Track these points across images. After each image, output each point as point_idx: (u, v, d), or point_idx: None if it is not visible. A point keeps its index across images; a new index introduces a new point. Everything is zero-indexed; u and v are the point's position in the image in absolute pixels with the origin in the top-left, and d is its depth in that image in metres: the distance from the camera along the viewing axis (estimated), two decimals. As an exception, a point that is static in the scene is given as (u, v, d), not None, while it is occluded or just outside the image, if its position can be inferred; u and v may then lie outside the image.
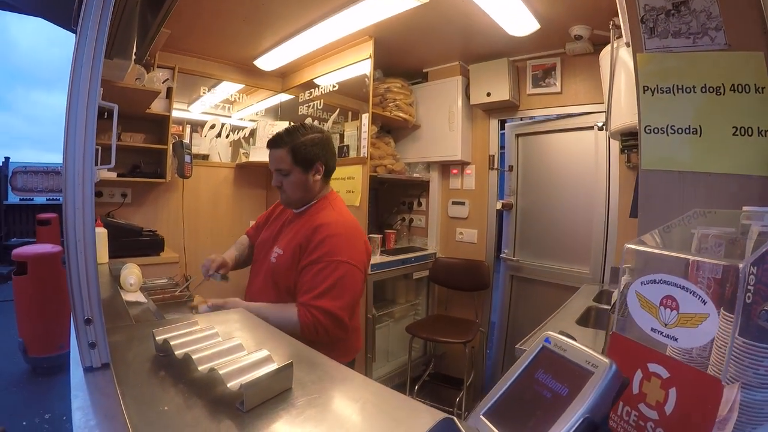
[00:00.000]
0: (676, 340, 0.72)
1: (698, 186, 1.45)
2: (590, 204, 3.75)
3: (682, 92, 1.47)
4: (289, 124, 4.46)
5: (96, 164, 1.16)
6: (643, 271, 0.80)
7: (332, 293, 1.95)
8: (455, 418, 0.62)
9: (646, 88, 1.53)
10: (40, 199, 10.32)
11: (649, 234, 0.93)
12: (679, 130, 1.47)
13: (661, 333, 0.74)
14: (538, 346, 0.66)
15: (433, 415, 0.97)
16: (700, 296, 0.69)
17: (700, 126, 1.43)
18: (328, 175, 2.27)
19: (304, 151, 2.14)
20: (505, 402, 0.63)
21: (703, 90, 1.43)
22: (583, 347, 0.60)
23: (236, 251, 2.64)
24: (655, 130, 1.51)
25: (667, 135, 1.49)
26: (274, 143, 2.17)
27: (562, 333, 0.65)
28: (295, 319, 1.92)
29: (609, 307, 2.54)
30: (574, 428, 0.51)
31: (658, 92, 1.52)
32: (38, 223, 6.84)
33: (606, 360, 0.55)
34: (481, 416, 0.63)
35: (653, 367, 0.74)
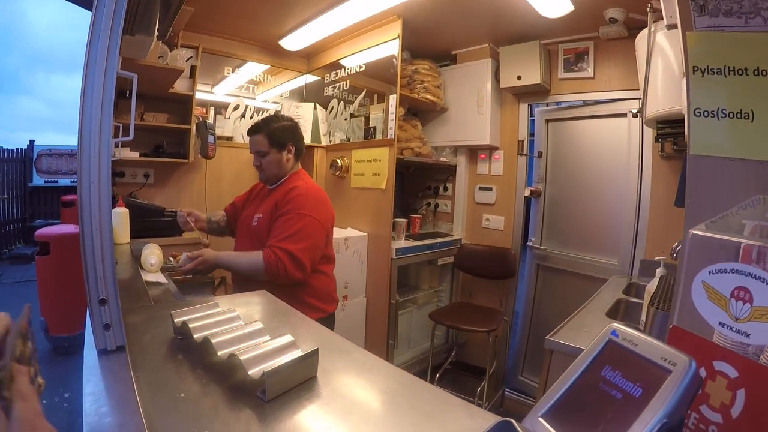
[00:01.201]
0: (748, 335, 0.65)
1: (750, 174, 1.36)
2: (621, 194, 3.64)
3: (734, 74, 1.38)
4: (314, 105, 4.47)
5: (116, 135, 1.11)
6: (697, 262, 0.72)
7: (294, 238, 2.33)
8: (513, 421, 0.55)
9: (696, 69, 1.44)
10: (64, 181, 10.45)
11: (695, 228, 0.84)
12: (730, 114, 1.38)
13: (731, 328, 0.66)
14: (603, 339, 0.58)
15: (468, 410, 0.92)
16: (778, 288, 0.62)
17: (752, 110, 1.35)
18: (298, 155, 2.71)
19: (277, 135, 2.57)
20: (567, 403, 0.56)
21: (756, 73, 1.34)
22: (656, 341, 0.52)
23: (207, 215, 3.07)
24: (705, 114, 1.42)
25: (718, 119, 1.41)
26: (253, 130, 2.62)
27: (627, 325, 0.57)
28: (259, 259, 2.29)
29: (641, 301, 2.47)
30: (652, 435, 0.44)
31: (708, 73, 1.43)
32: (62, 204, 6.92)
33: (685, 357, 0.47)
34: (540, 418, 0.56)
35: (719, 366, 0.67)
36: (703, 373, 0.68)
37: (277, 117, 2.70)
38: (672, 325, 0.75)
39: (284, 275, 2.29)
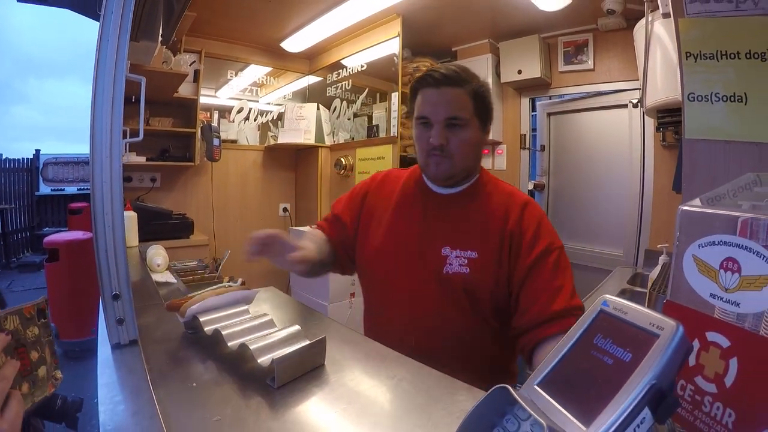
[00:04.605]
0: (738, 305, 0.67)
1: (744, 156, 1.38)
2: (624, 185, 3.65)
3: (726, 58, 1.40)
4: (317, 106, 4.47)
5: (124, 137, 1.14)
6: (687, 237, 0.74)
7: (573, 288, 1.40)
8: (509, 387, 0.58)
9: (688, 54, 1.46)
10: (71, 189, 10.52)
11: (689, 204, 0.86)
12: (724, 98, 1.40)
13: (722, 298, 0.68)
14: (595, 309, 0.60)
15: (473, 395, 0.94)
16: (765, 256, 0.64)
17: (745, 93, 1.36)
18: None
19: (484, 100, 1.51)
20: (561, 371, 0.58)
21: (748, 56, 1.35)
22: (645, 309, 0.54)
23: (314, 244, 1.64)
24: (699, 98, 1.44)
25: (711, 103, 1.42)
26: (450, 80, 1.45)
27: (619, 296, 0.60)
28: None
29: (645, 290, 2.48)
30: (641, 395, 0.46)
31: (701, 58, 1.45)
32: (69, 212, 6.95)
33: (672, 322, 0.49)
34: (536, 386, 0.58)
35: (712, 336, 0.69)
36: (696, 344, 0.71)
37: (473, 74, 1.53)
38: (666, 300, 0.77)
39: None
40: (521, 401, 0.56)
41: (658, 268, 2.27)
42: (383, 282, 1.60)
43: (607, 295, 0.61)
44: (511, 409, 0.58)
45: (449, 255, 1.46)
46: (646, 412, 0.46)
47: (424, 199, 1.59)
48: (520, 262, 1.41)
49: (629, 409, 0.46)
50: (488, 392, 0.59)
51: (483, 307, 1.45)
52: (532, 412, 0.53)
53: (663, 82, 2.47)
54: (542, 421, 0.50)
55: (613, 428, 0.45)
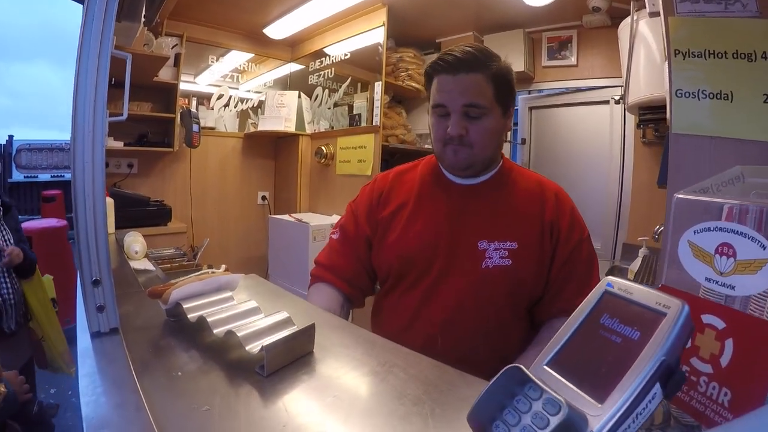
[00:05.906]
0: (733, 288, 0.69)
1: (729, 152, 1.42)
2: (603, 180, 3.69)
3: (714, 57, 1.43)
4: (298, 94, 4.43)
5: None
6: (682, 223, 0.76)
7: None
8: (522, 366, 0.58)
9: (677, 52, 1.49)
10: (44, 176, 10.35)
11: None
12: (710, 95, 1.44)
13: (717, 282, 0.70)
14: (599, 291, 0.61)
15: (466, 381, 0.93)
16: (759, 241, 0.66)
17: (731, 92, 1.40)
18: None
19: (507, 84, 1.44)
20: (569, 351, 0.60)
21: (735, 56, 1.39)
22: (649, 289, 0.56)
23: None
24: (686, 95, 1.48)
25: (698, 99, 1.46)
26: (466, 64, 1.35)
27: (621, 277, 0.61)
28: None
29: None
30: (652, 371, 0.47)
31: (689, 56, 1.48)
32: (43, 200, 6.86)
33: (678, 300, 0.50)
34: (545, 366, 0.59)
35: (707, 319, 0.71)
36: (692, 327, 0.72)
37: (491, 52, 1.44)
38: (660, 284, 0.78)
39: None
40: (535, 379, 0.56)
41: (638, 261, 2.31)
42: (410, 283, 1.51)
43: (611, 277, 0.61)
44: (522, 389, 0.58)
45: (488, 248, 1.41)
46: (657, 388, 0.48)
47: (447, 192, 1.52)
48: (559, 251, 1.43)
49: (642, 385, 0.47)
50: (501, 372, 0.59)
51: (519, 301, 1.45)
52: (547, 388, 0.54)
53: (645, 79, 2.52)
54: (559, 397, 0.51)
55: (627, 404, 0.47)
